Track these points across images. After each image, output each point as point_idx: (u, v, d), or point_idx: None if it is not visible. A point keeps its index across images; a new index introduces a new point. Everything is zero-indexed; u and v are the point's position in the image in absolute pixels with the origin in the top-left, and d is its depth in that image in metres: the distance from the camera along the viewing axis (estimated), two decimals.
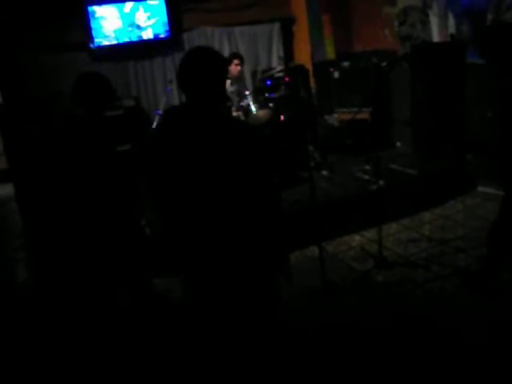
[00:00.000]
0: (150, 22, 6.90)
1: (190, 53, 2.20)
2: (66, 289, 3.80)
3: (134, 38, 6.85)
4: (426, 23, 6.59)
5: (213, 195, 2.13)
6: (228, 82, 5.96)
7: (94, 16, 6.55)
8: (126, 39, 6.81)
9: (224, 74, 2.24)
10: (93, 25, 6.56)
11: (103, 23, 6.62)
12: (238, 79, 6.22)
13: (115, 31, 6.72)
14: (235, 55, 6.16)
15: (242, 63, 6.12)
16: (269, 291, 2.37)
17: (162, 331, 3.32)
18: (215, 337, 2.39)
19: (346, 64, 6.62)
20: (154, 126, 5.75)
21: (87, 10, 6.50)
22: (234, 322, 2.34)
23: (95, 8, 6.55)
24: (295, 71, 6.62)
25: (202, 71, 2.14)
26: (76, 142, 3.02)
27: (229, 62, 6.01)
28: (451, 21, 6.20)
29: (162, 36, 6.98)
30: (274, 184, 2.38)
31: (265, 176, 2.24)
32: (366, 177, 5.26)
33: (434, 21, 6.46)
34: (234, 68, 5.97)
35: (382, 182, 4.64)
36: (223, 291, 2.28)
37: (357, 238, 4.73)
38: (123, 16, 6.73)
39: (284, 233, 2.39)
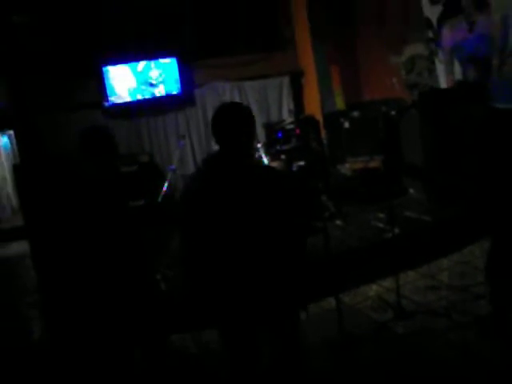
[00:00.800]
0: (162, 80, 7.08)
1: (221, 107, 2.41)
2: (81, 349, 3.74)
3: (147, 96, 7.03)
4: (432, 71, 6.69)
5: (244, 240, 2.30)
6: None
7: (108, 76, 6.77)
8: (139, 96, 6.99)
9: (248, 126, 2.41)
10: (107, 84, 6.78)
11: (117, 82, 6.83)
12: None
13: (128, 89, 6.91)
14: None
15: None
16: (292, 337, 2.53)
17: None
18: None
19: (355, 114, 6.71)
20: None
21: (102, 71, 6.72)
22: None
23: (109, 68, 6.78)
24: (306, 123, 6.71)
25: (228, 125, 2.36)
26: (90, 200, 3.04)
27: None
28: (457, 67, 6.28)
29: (173, 92, 7.16)
30: (300, 228, 2.51)
31: (291, 217, 2.39)
32: (381, 225, 5.23)
33: (440, 68, 6.56)
34: None
35: (397, 230, 4.60)
36: (249, 339, 2.46)
37: (374, 287, 4.65)
38: (136, 75, 6.94)
39: (304, 269, 2.62)
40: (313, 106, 7.84)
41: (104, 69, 6.75)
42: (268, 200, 2.31)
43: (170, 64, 7.10)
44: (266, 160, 5.66)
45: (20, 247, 7.41)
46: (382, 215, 5.36)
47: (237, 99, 7.55)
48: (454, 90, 6.12)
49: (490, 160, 2.99)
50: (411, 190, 6.36)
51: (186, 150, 7.18)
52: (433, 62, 6.65)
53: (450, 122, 5.51)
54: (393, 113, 6.44)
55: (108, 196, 3.09)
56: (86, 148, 3.06)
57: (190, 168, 7.31)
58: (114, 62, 6.82)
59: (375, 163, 6.07)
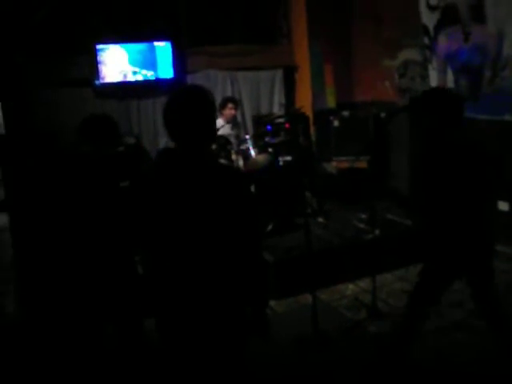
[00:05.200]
0: (156, 63, 7.02)
1: (176, 95, 2.13)
2: (54, 324, 3.73)
3: (139, 78, 6.96)
4: (425, 77, 6.73)
5: (192, 239, 2.05)
6: (228, 126, 6.05)
7: (101, 54, 6.68)
8: (132, 78, 6.92)
9: (210, 117, 2.14)
10: (100, 63, 6.68)
11: (110, 61, 6.74)
12: (236, 123, 6.30)
13: (121, 70, 6.83)
14: (229, 99, 6.28)
15: (236, 107, 6.23)
16: (237, 346, 2.24)
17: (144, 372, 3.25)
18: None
19: (345, 113, 6.73)
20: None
21: (96, 48, 6.64)
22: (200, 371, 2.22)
23: (103, 46, 6.69)
24: (296, 118, 6.72)
25: (187, 117, 2.05)
26: (81, 178, 3.02)
27: (223, 105, 6.12)
28: (450, 76, 6.33)
29: (166, 77, 7.10)
30: (256, 235, 2.27)
31: (246, 225, 2.11)
32: (362, 226, 5.27)
33: (433, 75, 6.60)
34: (229, 112, 6.09)
35: (377, 232, 4.65)
36: (191, 340, 2.17)
37: (351, 286, 4.70)
38: (130, 56, 6.86)
39: (265, 290, 2.32)
40: (304, 101, 7.83)
41: (97, 46, 6.65)
42: (224, 203, 2.03)
43: (164, 48, 7.04)
44: (253, 152, 5.66)
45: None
46: (363, 216, 5.40)
47: (229, 89, 7.51)
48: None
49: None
50: None
51: None
52: (426, 69, 6.69)
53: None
54: (383, 115, 6.47)
55: (99, 177, 3.08)
56: (90, 133, 3.07)
57: None
58: (108, 41, 6.73)
59: (361, 164, 6.10)
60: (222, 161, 5.49)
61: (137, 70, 6.93)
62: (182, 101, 2.09)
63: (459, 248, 2.92)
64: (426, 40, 6.62)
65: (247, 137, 5.90)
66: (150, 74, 7.02)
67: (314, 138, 7.34)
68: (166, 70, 7.08)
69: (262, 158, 5.67)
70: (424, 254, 3.12)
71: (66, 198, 2.99)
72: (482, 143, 2.98)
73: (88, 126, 3.09)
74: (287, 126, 6.39)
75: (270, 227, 5.38)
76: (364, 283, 4.64)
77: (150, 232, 2.13)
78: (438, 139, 2.94)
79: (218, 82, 7.50)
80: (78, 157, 3.09)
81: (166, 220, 2.06)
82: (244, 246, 2.11)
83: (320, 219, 5.70)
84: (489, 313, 3.08)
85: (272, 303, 4.39)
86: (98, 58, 6.66)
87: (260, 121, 7.13)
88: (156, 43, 7.00)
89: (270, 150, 5.81)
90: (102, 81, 6.71)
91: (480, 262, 3.00)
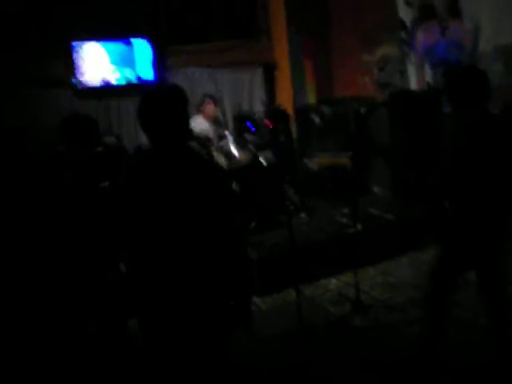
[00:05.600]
0: (134, 62, 6.97)
1: (149, 94, 2.15)
2: (35, 325, 3.69)
3: (118, 77, 6.90)
4: (403, 72, 6.78)
5: (174, 238, 2.04)
6: (207, 123, 6.03)
7: (78, 52, 6.58)
8: (110, 77, 6.85)
9: (185, 114, 2.13)
10: (76, 60, 6.58)
11: (87, 60, 6.65)
12: (215, 120, 6.28)
13: (99, 69, 6.76)
14: (207, 95, 6.25)
15: (216, 104, 6.21)
16: (221, 341, 2.22)
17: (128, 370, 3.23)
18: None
19: (326, 109, 6.75)
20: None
21: (72, 46, 6.53)
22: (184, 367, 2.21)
23: (80, 44, 6.59)
24: (276, 115, 6.72)
25: (163, 115, 2.06)
26: (56, 179, 3.00)
27: (202, 102, 6.09)
28: (428, 70, 6.39)
29: (145, 76, 7.05)
30: (240, 231, 2.28)
31: (229, 221, 2.12)
32: (344, 220, 5.29)
33: (411, 70, 6.67)
34: (208, 108, 6.05)
35: (359, 226, 4.67)
36: (175, 337, 2.15)
37: (334, 281, 4.71)
38: (108, 54, 6.79)
39: (249, 284, 2.33)
40: (285, 98, 7.85)
41: (74, 44, 6.53)
42: (206, 199, 2.03)
43: (142, 45, 6.97)
44: (233, 149, 5.66)
45: None
46: (346, 211, 5.42)
47: (209, 87, 7.47)
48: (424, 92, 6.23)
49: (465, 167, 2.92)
50: (375, 189, 6.46)
51: None
52: (404, 63, 6.75)
53: (420, 124, 5.59)
54: (363, 110, 6.51)
55: (76, 176, 3.06)
56: (70, 133, 3.04)
57: None
58: (85, 38, 6.63)
59: (343, 159, 6.13)
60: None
61: (114, 68, 6.86)
62: (155, 98, 2.12)
63: (479, 231, 2.92)
64: (404, 35, 6.67)
65: (226, 133, 5.89)
66: (128, 73, 6.95)
67: (295, 134, 7.35)
68: (145, 69, 7.03)
69: (243, 155, 5.66)
70: (441, 237, 3.12)
71: (43, 198, 2.96)
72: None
73: (66, 125, 3.06)
74: (267, 122, 6.39)
75: (253, 224, 5.37)
76: (347, 277, 4.66)
77: (132, 230, 2.12)
78: (467, 119, 2.90)
79: (198, 81, 7.48)
80: (54, 157, 3.06)
81: (148, 218, 2.05)
82: (227, 239, 2.11)
83: (303, 215, 5.72)
84: (494, 306, 3.06)
85: (256, 300, 4.39)
86: (75, 55, 6.56)
87: (241, 118, 7.13)
88: (133, 39, 6.91)
89: (251, 146, 5.80)
90: (80, 79, 6.63)
91: (495, 249, 2.98)
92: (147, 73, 7.05)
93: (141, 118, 2.12)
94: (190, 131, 2.26)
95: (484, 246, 2.96)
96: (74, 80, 6.59)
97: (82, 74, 6.64)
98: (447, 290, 3.11)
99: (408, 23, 6.61)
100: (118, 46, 6.85)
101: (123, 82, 6.95)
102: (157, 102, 2.09)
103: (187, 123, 2.17)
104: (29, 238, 3.13)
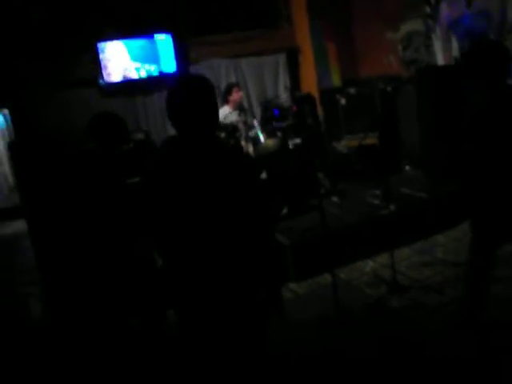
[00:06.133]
0: (158, 57, 7.03)
1: (177, 85, 2.12)
2: (81, 322, 3.80)
3: (143, 73, 6.98)
4: (429, 47, 6.65)
5: (205, 228, 2.06)
6: (235, 112, 6.04)
7: (103, 52, 6.70)
8: (135, 74, 6.94)
9: (213, 104, 2.12)
10: (102, 61, 6.70)
11: (112, 59, 6.76)
12: (243, 109, 6.28)
13: (124, 67, 6.85)
14: (234, 84, 6.24)
15: (240, 89, 6.20)
16: (259, 331, 2.26)
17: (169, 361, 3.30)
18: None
19: (352, 90, 6.69)
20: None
21: (97, 47, 6.65)
22: (223, 358, 2.24)
23: (105, 44, 6.70)
24: (302, 100, 6.70)
25: (190, 106, 2.04)
26: (89, 176, 3.07)
27: (229, 91, 6.07)
28: (454, 44, 6.25)
29: (169, 70, 7.11)
30: (268, 221, 2.28)
31: (257, 210, 2.13)
32: (377, 202, 5.25)
33: (437, 44, 6.53)
34: (235, 96, 6.03)
35: (392, 207, 4.63)
36: (213, 328, 2.19)
37: (370, 263, 4.69)
38: (131, 51, 6.87)
39: (277, 271, 2.34)
40: (309, 82, 7.80)
41: (99, 44, 6.66)
42: (236, 190, 2.05)
43: (165, 41, 7.04)
44: (262, 137, 5.66)
45: (12, 228, 7.46)
46: (377, 192, 5.38)
47: (233, 77, 7.50)
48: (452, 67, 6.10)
49: (487, 143, 2.88)
50: (407, 167, 6.38)
51: None
52: (430, 38, 6.61)
53: (448, 99, 5.48)
54: (389, 89, 6.42)
55: (106, 174, 3.13)
56: (98, 131, 3.11)
57: None
58: (110, 38, 6.74)
59: (371, 140, 6.06)
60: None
61: (139, 65, 6.94)
62: (182, 89, 2.09)
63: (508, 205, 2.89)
64: (428, 9, 6.53)
65: (255, 122, 5.89)
66: (152, 69, 7.02)
67: (321, 118, 7.31)
68: (168, 63, 7.09)
69: (272, 142, 5.67)
70: (473, 213, 3.10)
71: (77, 197, 3.04)
72: None
73: (95, 124, 3.13)
74: (294, 108, 6.37)
75: (285, 211, 5.38)
76: (383, 259, 4.63)
77: (165, 224, 2.14)
78: (488, 95, 2.85)
79: (221, 71, 7.50)
80: (84, 155, 3.13)
81: (180, 210, 2.07)
82: (255, 228, 2.12)
83: (334, 199, 5.69)
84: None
85: (293, 286, 4.41)
86: (100, 56, 6.68)
87: (267, 106, 7.12)
88: (157, 36, 6.99)
89: (279, 134, 5.80)
90: (106, 79, 6.74)
91: None
92: (171, 66, 7.10)
93: (169, 108, 2.09)
94: (217, 119, 2.24)
95: None
96: (100, 80, 6.70)
97: (108, 74, 6.75)
98: (487, 265, 3.08)
99: None
100: (141, 43, 6.93)
101: (148, 78, 7.03)
102: (185, 92, 2.07)
103: (216, 112, 2.16)
104: (69, 237, 3.23)
